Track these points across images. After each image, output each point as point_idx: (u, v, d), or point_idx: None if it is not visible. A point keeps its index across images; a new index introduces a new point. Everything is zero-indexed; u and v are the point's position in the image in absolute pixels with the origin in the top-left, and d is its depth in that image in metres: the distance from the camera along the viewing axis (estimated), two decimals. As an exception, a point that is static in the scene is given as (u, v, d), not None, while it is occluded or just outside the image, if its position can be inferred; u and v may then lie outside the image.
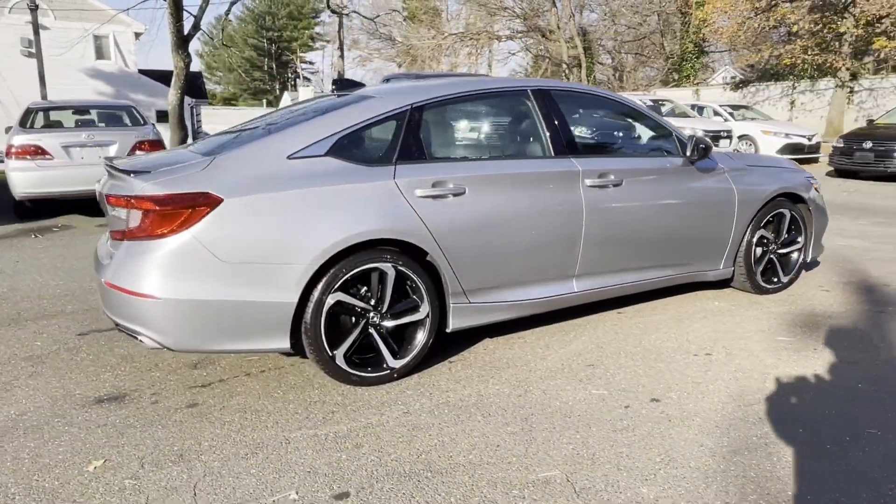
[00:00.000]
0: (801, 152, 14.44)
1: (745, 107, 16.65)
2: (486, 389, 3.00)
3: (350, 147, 2.98)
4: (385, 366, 3.03)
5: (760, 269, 4.29)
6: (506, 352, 3.45)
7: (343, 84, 3.61)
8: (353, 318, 2.98)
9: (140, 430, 2.67)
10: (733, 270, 4.21)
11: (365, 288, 2.98)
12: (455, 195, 3.08)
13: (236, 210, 2.67)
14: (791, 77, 19.62)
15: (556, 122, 3.47)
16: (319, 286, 2.81)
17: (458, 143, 3.53)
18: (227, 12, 16.49)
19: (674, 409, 2.77)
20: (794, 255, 4.46)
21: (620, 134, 3.96)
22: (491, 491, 2.20)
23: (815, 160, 14.66)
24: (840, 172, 11.99)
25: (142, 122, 8.54)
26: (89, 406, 2.90)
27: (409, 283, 3.04)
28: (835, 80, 17.39)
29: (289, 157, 2.86)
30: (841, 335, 3.63)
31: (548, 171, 3.37)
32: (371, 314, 2.99)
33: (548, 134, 3.44)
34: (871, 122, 12.81)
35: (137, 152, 7.84)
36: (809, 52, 16.85)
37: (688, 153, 3.82)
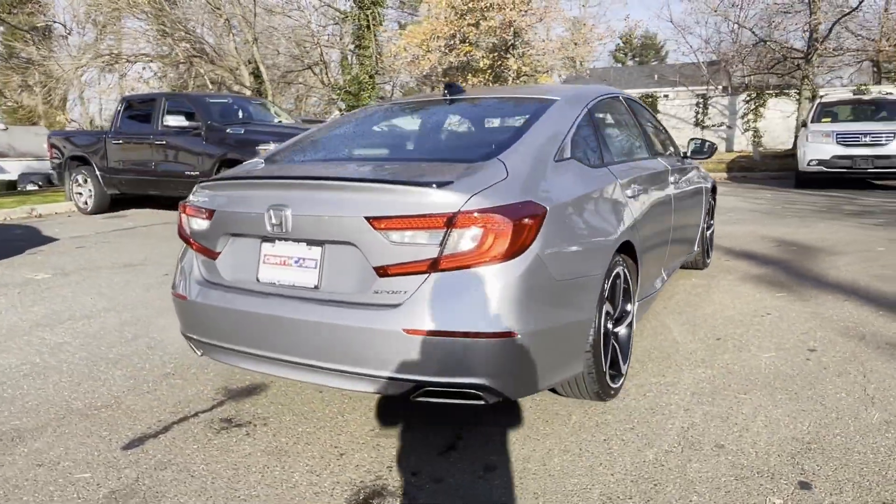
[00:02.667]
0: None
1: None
2: (690, 376, 3.13)
3: (577, 150, 2.79)
4: (620, 373, 2.91)
5: (704, 248, 5.26)
6: (635, 344, 3.59)
7: (454, 89, 3.24)
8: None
9: (492, 510, 2.09)
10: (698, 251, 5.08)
11: (601, 295, 2.83)
12: (639, 195, 3.14)
13: (554, 220, 2.29)
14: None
15: (643, 126, 3.77)
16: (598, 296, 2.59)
17: (616, 145, 3.53)
18: None
19: (833, 354, 3.36)
20: (709, 235, 5.57)
21: (658, 137, 4.43)
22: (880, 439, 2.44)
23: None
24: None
25: None
26: (367, 512, 2.10)
27: (624, 286, 2.98)
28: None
29: (555, 161, 2.55)
30: (805, 286, 4.76)
31: (660, 170, 3.65)
32: (610, 322, 2.85)
33: (643, 136, 3.72)
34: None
35: None
36: (490, 84, 19.97)
37: (689, 153, 4.50)
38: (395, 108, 3.47)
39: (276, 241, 2.38)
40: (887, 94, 14.80)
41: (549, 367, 2.30)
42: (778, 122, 21.02)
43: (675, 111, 22.15)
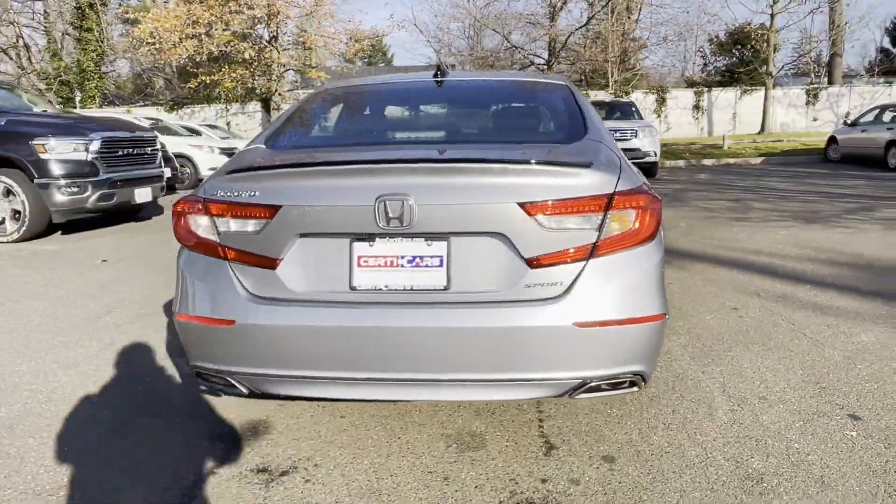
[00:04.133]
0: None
1: (216, 126, 17.25)
2: (671, 344, 3.42)
3: (608, 133, 2.82)
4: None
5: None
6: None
7: (443, 71, 2.99)
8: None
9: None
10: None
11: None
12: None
13: (650, 200, 2.29)
14: (223, 100, 21.22)
15: None
16: None
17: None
18: None
19: (753, 311, 3.94)
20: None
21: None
22: None
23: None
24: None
25: None
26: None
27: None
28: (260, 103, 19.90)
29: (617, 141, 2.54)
30: (671, 258, 5.44)
31: None
32: None
33: None
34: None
35: None
36: (256, 78, 18.73)
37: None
38: (389, 89, 3.07)
39: (377, 240, 1.97)
40: (618, 96, 17.69)
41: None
42: (521, 121, 23.69)
43: (435, 110, 23.52)
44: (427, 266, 1.96)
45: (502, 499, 2.06)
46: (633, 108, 14.94)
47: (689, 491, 2.07)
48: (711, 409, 2.64)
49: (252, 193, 2.01)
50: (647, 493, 2.06)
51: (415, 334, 1.93)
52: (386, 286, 1.97)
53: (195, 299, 2.10)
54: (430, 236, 1.96)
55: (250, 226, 2.02)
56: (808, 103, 25.47)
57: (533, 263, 1.94)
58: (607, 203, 1.95)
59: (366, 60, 58.62)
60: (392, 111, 2.94)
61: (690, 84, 31.03)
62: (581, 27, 19.18)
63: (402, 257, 1.97)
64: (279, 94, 19.68)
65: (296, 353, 1.99)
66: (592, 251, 1.95)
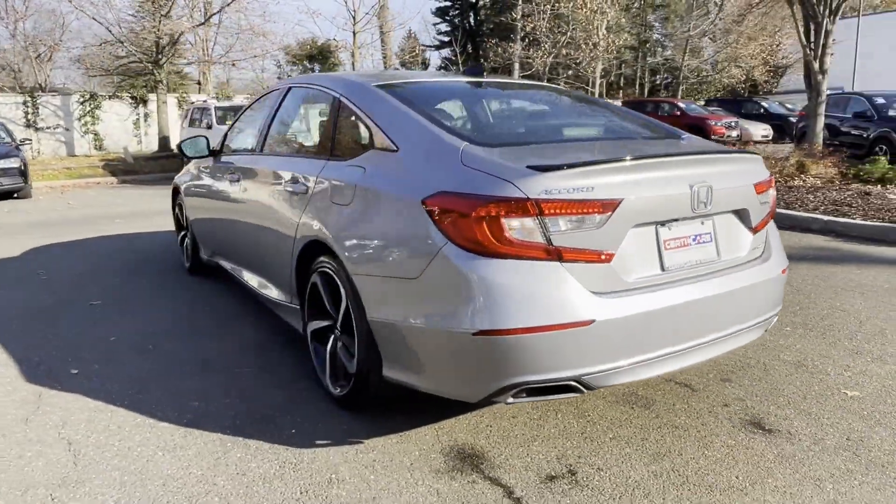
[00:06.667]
0: None
1: None
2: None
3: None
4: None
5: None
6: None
7: (476, 71, 3.08)
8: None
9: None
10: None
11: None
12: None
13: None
14: None
15: None
16: None
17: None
18: None
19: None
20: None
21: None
22: None
23: None
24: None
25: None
26: (787, 431, 2.50)
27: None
28: None
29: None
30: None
31: None
32: None
33: None
34: None
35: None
36: None
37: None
38: (486, 89, 2.96)
39: (672, 224, 2.20)
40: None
41: None
42: (116, 126, 20.84)
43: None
44: (703, 242, 2.31)
45: (734, 423, 2.54)
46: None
47: (797, 384, 2.92)
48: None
49: (588, 188, 1.98)
50: (776, 394, 2.83)
51: (713, 301, 2.25)
52: (686, 263, 2.24)
53: (526, 308, 1.93)
54: (704, 216, 2.30)
55: (585, 222, 2.00)
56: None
57: (754, 231, 2.49)
58: (767, 185, 2.63)
59: None
60: (535, 111, 2.96)
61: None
62: (200, 25, 17.97)
63: (689, 237, 2.27)
64: None
65: (638, 341, 2.08)
66: (767, 219, 2.61)
